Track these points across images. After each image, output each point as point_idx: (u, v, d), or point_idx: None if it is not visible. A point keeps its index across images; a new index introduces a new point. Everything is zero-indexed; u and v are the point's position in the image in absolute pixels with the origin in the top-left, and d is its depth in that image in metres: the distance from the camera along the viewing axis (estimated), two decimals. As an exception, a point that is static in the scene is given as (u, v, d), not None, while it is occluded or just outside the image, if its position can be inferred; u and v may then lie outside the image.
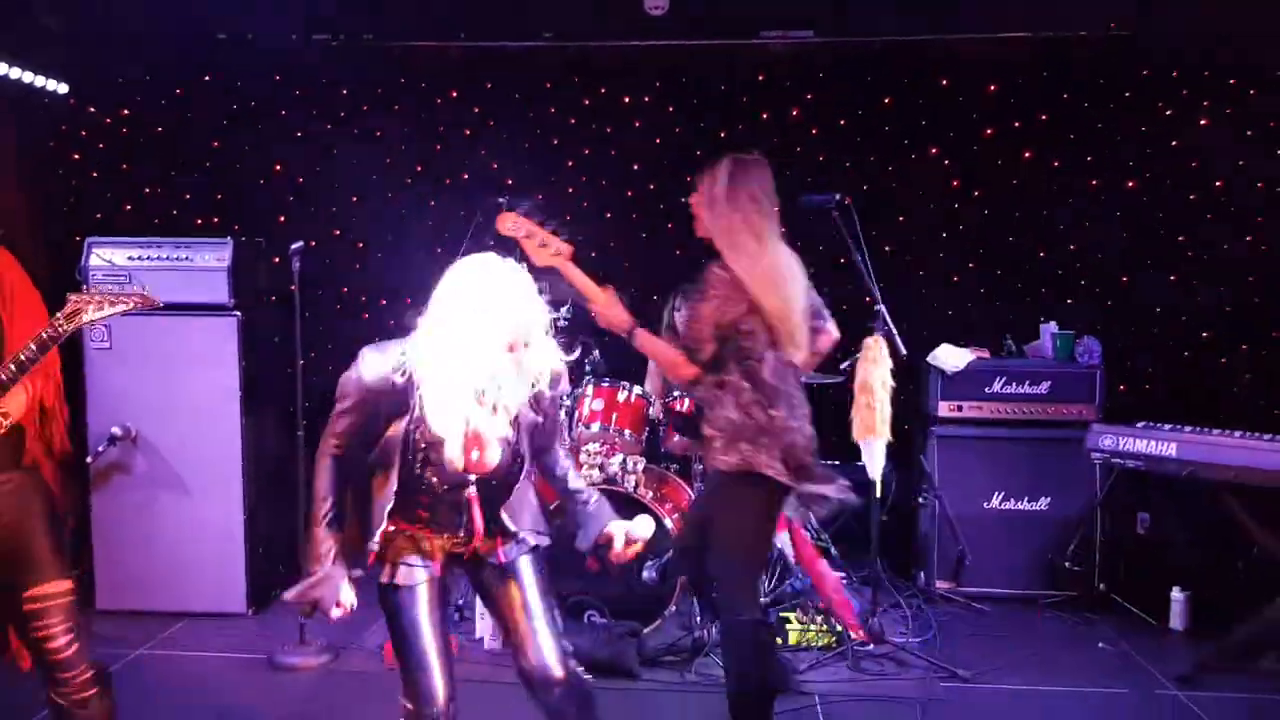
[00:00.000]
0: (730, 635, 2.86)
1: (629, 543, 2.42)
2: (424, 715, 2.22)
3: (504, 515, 2.35)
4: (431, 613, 2.28)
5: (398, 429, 2.19)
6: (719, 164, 2.92)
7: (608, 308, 2.91)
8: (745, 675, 2.82)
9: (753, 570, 3.01)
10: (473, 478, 2.26)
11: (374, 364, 2.20)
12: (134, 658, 3.78)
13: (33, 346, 2.21)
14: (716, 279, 2.79)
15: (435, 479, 2.23)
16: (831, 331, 3.18)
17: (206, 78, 5.47)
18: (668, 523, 3.91)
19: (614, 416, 4.27)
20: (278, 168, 5.61)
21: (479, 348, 2.11)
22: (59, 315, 2.22)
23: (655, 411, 4.37)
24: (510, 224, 2.86)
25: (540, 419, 2.34)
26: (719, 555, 2.87)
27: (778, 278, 2.86)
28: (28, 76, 4.96)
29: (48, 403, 2.41)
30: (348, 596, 2.26)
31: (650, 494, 4.01)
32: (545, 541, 2.44)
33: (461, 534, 2.32)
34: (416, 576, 2.29)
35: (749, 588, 2.93)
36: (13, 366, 2.21)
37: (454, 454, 2.18)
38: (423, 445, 2.20)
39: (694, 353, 2.80)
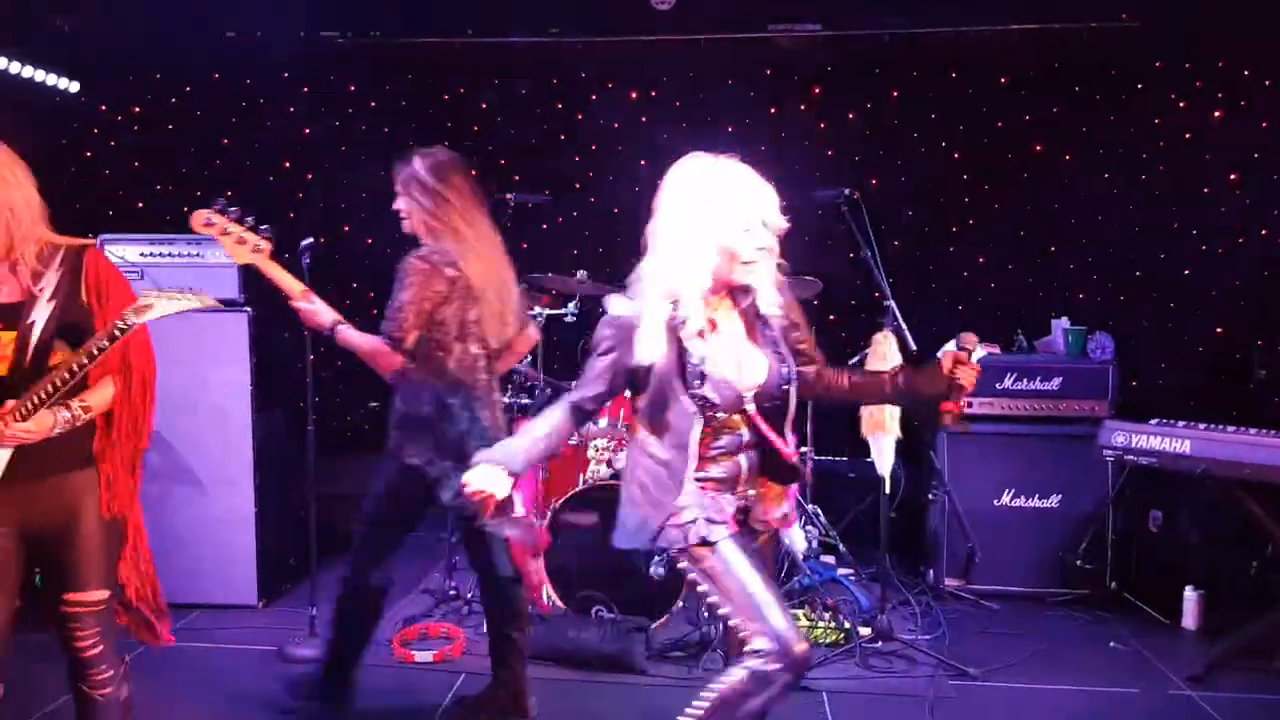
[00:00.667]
0: (342, 594, 3.12)
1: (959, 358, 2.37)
2: (791, 654, 2.15)
3: (789, 435, 2.32)
4: (748, 558, 2.23)
5: (662, 366, 2.20)
6: (412, 160, 3.01)
7: (307, 304, 2.94)
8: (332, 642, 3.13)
9: (378, 538, 3.12)
10: (750, 394, 2.25)
11: (621, 303, 2.26)
12: (143, 649, 3.79)
13: (104, 339, 2.21)
14: (414, 267, 2.85)
15: (715, 404, 2.20)
16: (533, 334, 3.32)
17: (216, 75, 5.51)
18: (675, 518, 3.89)
19: (621, 412, 4.27)
20: (286, 164, 5.64)
21: (715, 243, 2.17)
22: (129, 309, 2.22)
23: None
24: (203, 221, 2.84)
25: (788, 319, 2.35)
26: (359, 517, 3.10)
27: (486, 267, 2.96)
28: (39, 75, 5.01)
29: (135, 398, 2.40)
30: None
31: (658, 490, 3.99)
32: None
33: (744, 480, 2.29)
34: (719, 533, 2.23)
35: (370, 554, 3.09)
36: (84, 358, 2.20)
37: (727, 370, 2.21)
38: (695, 369, 2.19)
39: (397, 342, 2.84)
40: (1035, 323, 4.91)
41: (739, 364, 2.27)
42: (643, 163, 5.56)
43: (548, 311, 4.54)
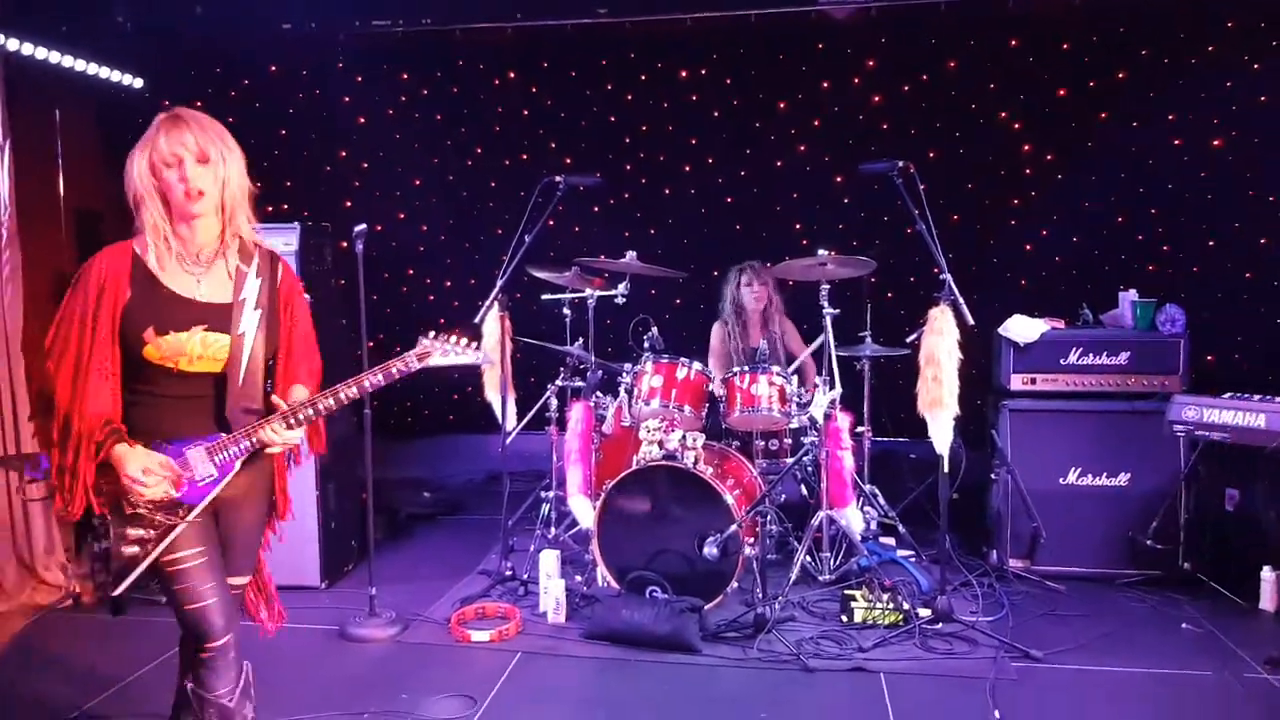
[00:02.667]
0: None
1: None
2: None
3: None
4: None
5: None
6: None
7: None
8: None
9: None
10: None
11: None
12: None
13: (378, 373, 2.25)
14: None
15: None
16: None
17: (273, 68, 5.61)
18: (729, 499, 3.87)
19: (673, 393, 4.25)
20: (342, 154, 5.73)
21: None
22: (410, 354, 2.26)
23: (716, 388, 4.34)
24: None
25: None
26: None
27: None
28: (105, 72, 5.16)
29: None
30: None
31: (710, 470, 3.98)
32: None
33: None
34: None
35: None
36: (353, 388, 2.25)
37: None
38: None
39: None
40: (1102, 296, 4.74)
41: None
42: (692, 141, 5.53)
43: (598, 293, 4.54)
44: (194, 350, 2.19)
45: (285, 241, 4.29)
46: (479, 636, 3.72)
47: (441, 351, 2.31)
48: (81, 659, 3.61)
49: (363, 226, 3.81)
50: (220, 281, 2.25)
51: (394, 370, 2.27)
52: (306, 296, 2.43)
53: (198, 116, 2.21)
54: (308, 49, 5.42)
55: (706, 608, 3.81)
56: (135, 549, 2.21)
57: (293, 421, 2.24)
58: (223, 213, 2.22)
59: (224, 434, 2.25)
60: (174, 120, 2.18)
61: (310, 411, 2.25)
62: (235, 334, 2.21)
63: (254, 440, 2.24)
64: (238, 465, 2.26)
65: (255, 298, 2.25)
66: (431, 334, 2.33)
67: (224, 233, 2.25)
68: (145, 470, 2.16)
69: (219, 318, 2.22)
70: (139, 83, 5.43)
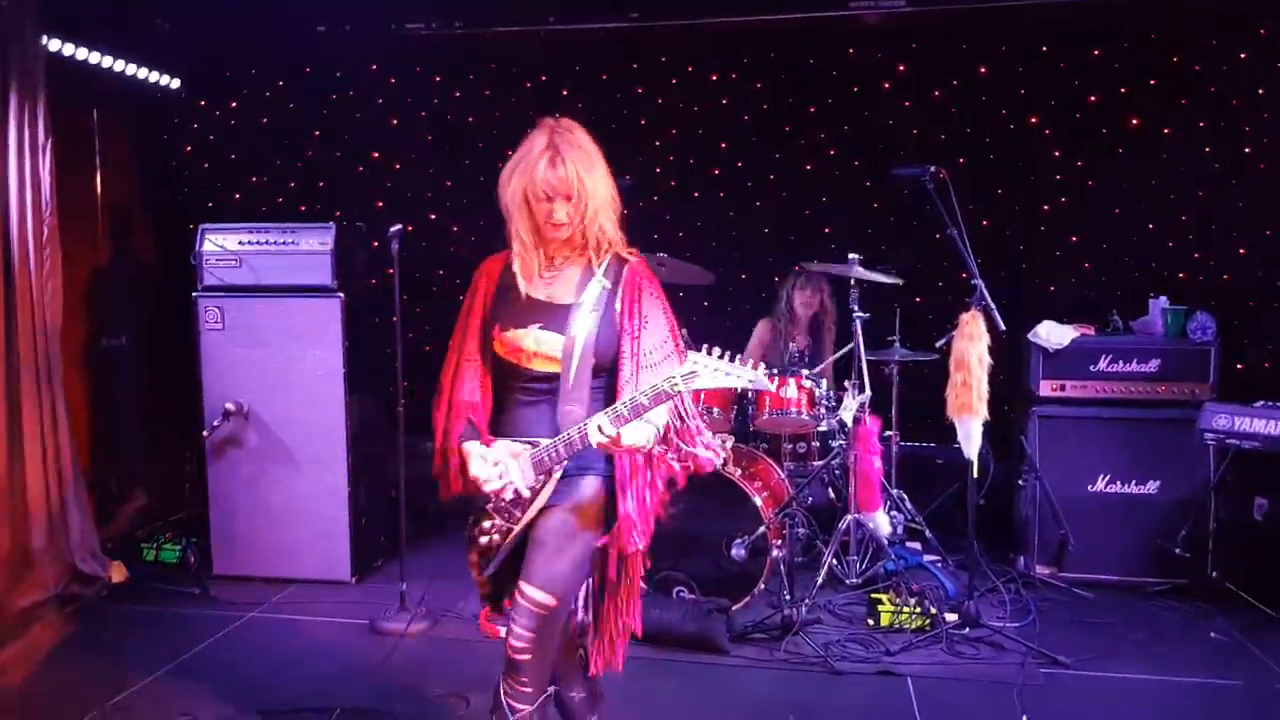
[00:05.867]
0: None
1: None
2: None
3: None
4: None
5: None
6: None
7: None
8: None
9: None
10: None
11: None
12: (246, 620, 3.99)
13: (647, 394, 2.07)
14: None
15: None
16: None
17: (307, 69, 5.68)
18: (757, 501, 3.90)
19: (702, 395, 4.28)
20: (375, 155, 5.79)
21: None
22: (676, 374, 2.04)
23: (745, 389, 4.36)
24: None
25: None
26: None
27: None
28: (142, 73, 5.25)
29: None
30: None
31: (739, 472, 4.00)
32: None
33: None
34: None
35: None
36: (622, 407, 2.10)
37: None
38: None
39: None
40: (1132, 303, 4.73)
41: None
42: (723, 145, 5.55)
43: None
44: (530, 346, 2.27)
45: (320, 241, 4.37)
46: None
47: (711, 375, 2.03)
48: (114, 649, 3.68)
49: (399, 226, 3.86)
50: (568, 284, 2.32)
51: (662, 390, 2.06)
52: (660, 303, 2.33)
53: (573, 141, 2.23)
54: (342, 51, 5.47)
55: (734, 609, 3.84)
56: (487, 539, 2.35)
57: (614, 417, 2.09)
58: (581, 223, 2.26)
59: (553, 438, 2.21)
60: (555, 154, 2.20)
61: (623, 409, 2.09)
62: (568, 335, 2.24)
63: (578, 440, 2.16)
64: (557, 472, 2.24)
65: (593, 301, 2.27)
66: (704, 349, 2.04)
67: (584, 241, 2.30)
68: (489, 466, 2.23)
69: (556, 318, 2.27)
70: (175, 83, 5.52)
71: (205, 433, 4.36)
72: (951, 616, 3.80)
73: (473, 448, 2.29)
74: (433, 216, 5.73)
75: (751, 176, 5.51)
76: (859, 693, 3.36)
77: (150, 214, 5.40)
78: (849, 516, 4.22)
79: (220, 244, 4.41)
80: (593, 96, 5.54)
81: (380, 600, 4.09)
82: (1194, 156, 4.97)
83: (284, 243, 4.40)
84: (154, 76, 5.36)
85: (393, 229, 3.86)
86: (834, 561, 4.22)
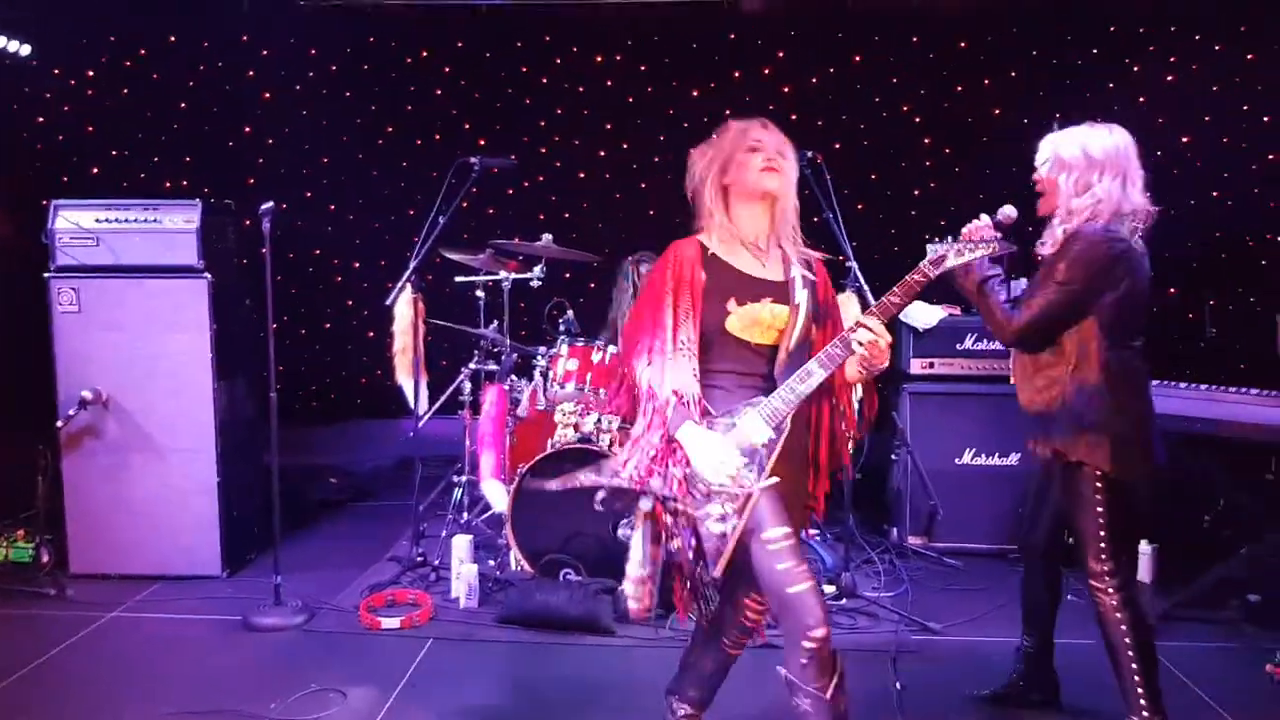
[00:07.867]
0: None
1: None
2: None
3: None
4: None
5: None
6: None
7: None
8: None
9: None
10: None
11: None
12: (108, 620, 3.78)
13: (897, 292, 2.31)
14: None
15: None
16: None
17: (172, 38, 5.39)
18: (642, 481, 3.91)
19: (588, 376, 4.27)
20: (247, 130, 5.54)
21: None
22: (924, 263, 2.34)
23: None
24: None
25: None
26: None
27: None
28: (-13, 37, 4.87)
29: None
30: None
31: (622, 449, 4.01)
32: None
33: None
34: None
35: None
36: (875, 309, 2.32)
37: None
38: None
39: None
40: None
41: None
42: (608, 126, 5.55)
43: (514, 276, 4.52)
44: (765, 319, 2.39)
45: (186, 219, 4.15)
46: (389, 623, 3.69)
47: (956, 252, 2.34)
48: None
49: (270, 204, 3.71)
50: (775, 265, 2.47)
51: (910, 280, 2.32)
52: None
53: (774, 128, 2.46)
54: (210, 19, 5.21)
55: (620, 589, 3.86)
56: (722, 526, 2.27)
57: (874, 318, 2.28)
58: (772, 209, 2.43)
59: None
60: (763, 124, 2.46)
61: (876, 311, 2.29)
62: (793, 304, 2.40)
63: (841, 351, 2.28)
64: (788, 420, 2.32)
65: (801, 280, 2.44)
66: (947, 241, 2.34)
67: (773, 229, 2.46)
68: (715, 459, 2.25)
69: (780, 292, 2.42)
70: (26, 49, 5.14)
71: (60, 423, 4.10)
72: (829, 589, 3.93)
73: (698, 435, 2.30)
74: (308, 195, 5.54)
75: (636, 158, 5.53)
76: (740, 666, 3.42)
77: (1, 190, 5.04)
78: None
79: (75, 221, 4.14)
80: (475, 75, 5.45)
81: (253, 595, 3.93)
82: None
83: (146, 220, 4.16)
84: (1, 41, 4.97)
85: (264, 206, 3.70)
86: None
